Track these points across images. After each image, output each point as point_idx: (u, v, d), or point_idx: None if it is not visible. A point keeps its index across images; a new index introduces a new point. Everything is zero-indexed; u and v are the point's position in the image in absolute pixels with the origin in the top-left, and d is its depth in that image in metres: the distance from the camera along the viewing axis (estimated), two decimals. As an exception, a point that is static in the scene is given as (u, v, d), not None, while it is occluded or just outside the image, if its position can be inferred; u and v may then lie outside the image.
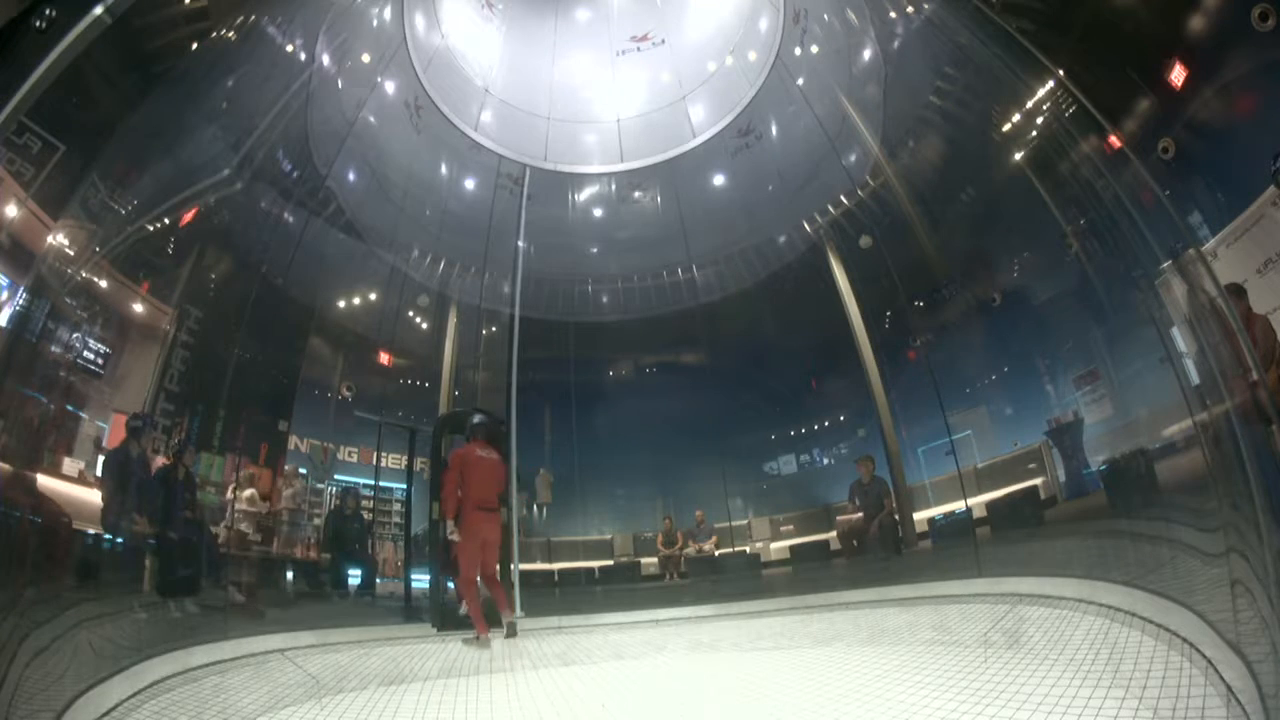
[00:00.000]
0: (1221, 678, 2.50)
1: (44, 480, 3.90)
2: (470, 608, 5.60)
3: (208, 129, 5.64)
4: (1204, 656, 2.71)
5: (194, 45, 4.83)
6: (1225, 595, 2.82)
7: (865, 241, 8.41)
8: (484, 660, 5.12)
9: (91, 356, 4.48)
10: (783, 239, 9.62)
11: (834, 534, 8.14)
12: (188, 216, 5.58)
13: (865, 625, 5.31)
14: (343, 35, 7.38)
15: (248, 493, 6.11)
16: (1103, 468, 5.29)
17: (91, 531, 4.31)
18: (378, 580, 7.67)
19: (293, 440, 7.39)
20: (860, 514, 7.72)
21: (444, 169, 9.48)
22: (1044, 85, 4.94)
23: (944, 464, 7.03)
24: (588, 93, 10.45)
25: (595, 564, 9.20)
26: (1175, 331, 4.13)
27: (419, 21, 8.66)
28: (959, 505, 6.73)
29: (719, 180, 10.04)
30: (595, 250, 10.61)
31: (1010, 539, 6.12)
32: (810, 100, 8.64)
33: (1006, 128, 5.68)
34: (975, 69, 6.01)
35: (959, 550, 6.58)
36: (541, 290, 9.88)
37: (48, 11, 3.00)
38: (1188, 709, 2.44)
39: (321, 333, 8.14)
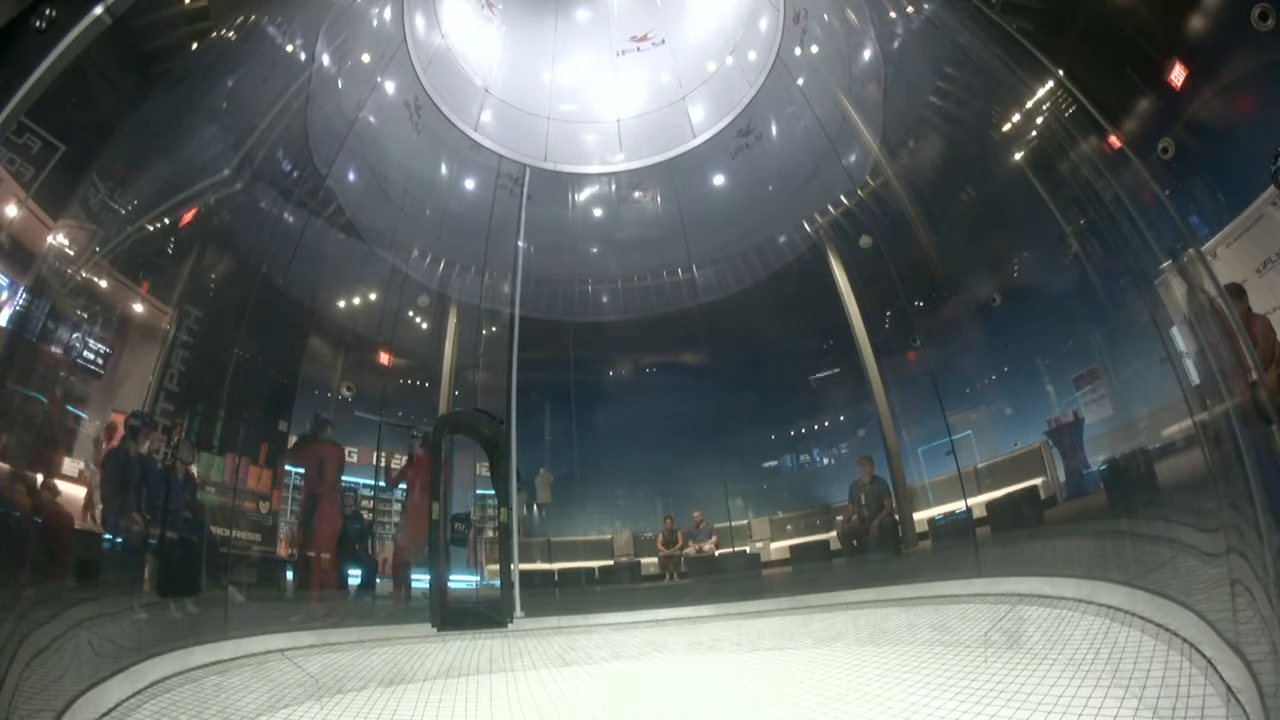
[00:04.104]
0: (1221, 678, 2.50)
1: (44, 480, 3.90)
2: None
3: (207, 129, 5.63)
4: (1204, 656, 2.71)
5: (194, 45, 4.83)
6: (1225, 595, 2.82)
7: (865, 241, 8.40)
8: (484, 660, 5.13)
9: (91, 356, 4.48)
10: (783, 239, 9.61)
11: (834, 534, 8.14)
12: (188, 216, 5.58)
13: (865, 625, 5.31)
14: (343, 35, 7.37)
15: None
16: (1103, 468, 5.28)
17: (91, 531, 4.30)
18: (378, 580, 7.67)
19: (292, 440, 7.37)
20: (860, 514, 7.72)
21: (444, 169, 9.47)
22: (1044, 85, 4.94)
23: (944, 464, 7.03)
24: (588, 93, 10.44)
25: (595, 564, 9.19)
26: (1175, 331, 4.13)
27: (419, 21, 8.65)
28: (959, 505, 6.73)
29: (719, 180, 10.03)
30: (595, 250, 10.60)
31: (1010, 539, 6.12)
32: (810, 100, 8.63)
33: (1006, 128, 5.67)
34: (975, 69, 6.00)
35: (959, 550, 6.58)
36: (541, 290, 9.87)
37: (48, 11, 3.00)
38: (1188, 709, 2.45)
39: (321, 333, 8.12)
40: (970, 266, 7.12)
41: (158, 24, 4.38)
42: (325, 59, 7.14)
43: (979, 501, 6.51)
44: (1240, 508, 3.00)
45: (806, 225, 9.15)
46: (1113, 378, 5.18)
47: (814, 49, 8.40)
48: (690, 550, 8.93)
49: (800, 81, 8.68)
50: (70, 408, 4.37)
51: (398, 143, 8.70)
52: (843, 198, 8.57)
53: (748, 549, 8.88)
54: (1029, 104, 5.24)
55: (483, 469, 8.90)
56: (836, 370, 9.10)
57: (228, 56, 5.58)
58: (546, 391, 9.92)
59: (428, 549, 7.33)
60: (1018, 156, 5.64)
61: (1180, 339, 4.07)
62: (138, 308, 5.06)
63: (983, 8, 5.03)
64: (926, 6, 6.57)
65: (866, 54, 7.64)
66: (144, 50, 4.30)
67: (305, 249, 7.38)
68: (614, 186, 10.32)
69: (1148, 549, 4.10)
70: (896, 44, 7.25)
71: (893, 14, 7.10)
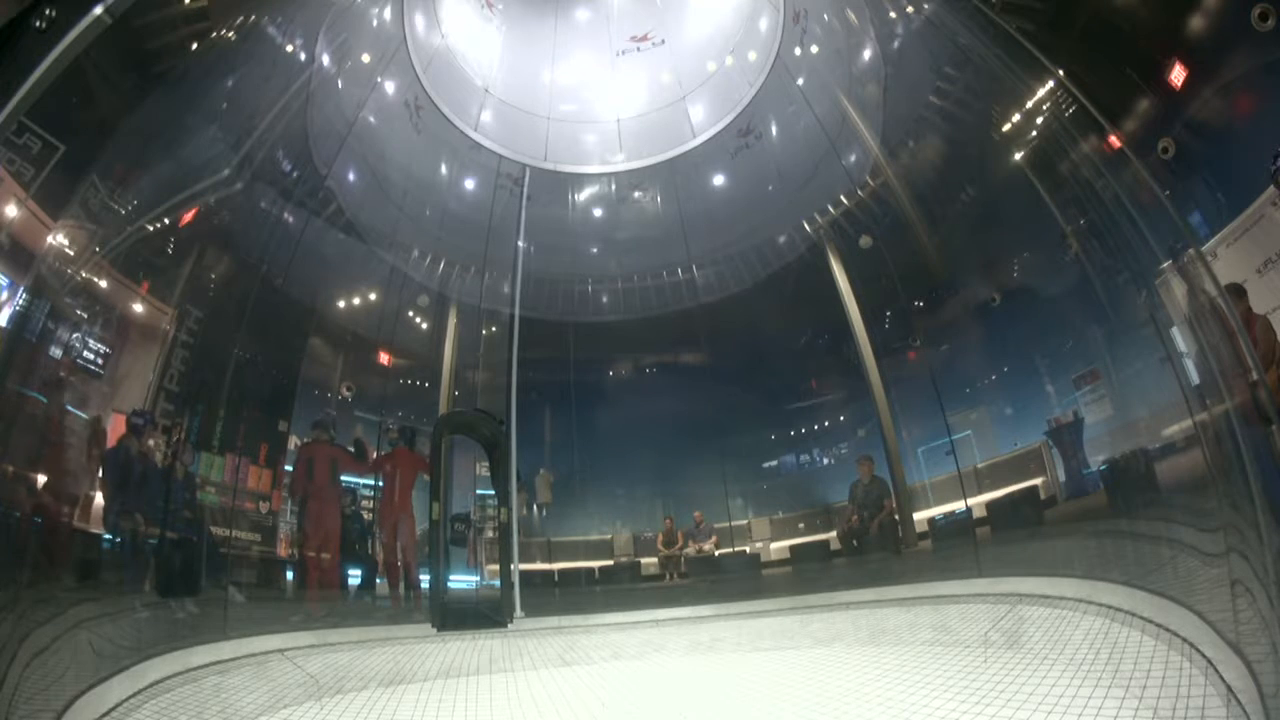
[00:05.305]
0: (1221, 678, 2.50)
1: (44, 480, 3.90)
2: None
3: (207, 129, 5.63)
4: (1204, 656, 2.71)
5: (194, 45, 4.83)
6: (1225, 595, 2.82)
7: (865, 241, 8.40)
8: (484, 660, 5.13)
9: (91, 356, 4.48)
10: (783, 239, 9.62)
11: (834, 534, 8.14)
12: (188, 216, 5.58)
13: (865, 625, 5.31)
14: (343, 35, 7.38)
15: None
16: (1103, 468, 5.28)
17: (92, 531, 4.30)
18: (378, 580, 7.66)
19: (293, 440, 7.37)
20: (860, 514, 7.72)
21: (444, 169, 9.48)
22: (1044, 85, 4.94)
23: (944, 464, 7.02)
24: (588, 93, 10.45)
25: (595, 564, 9.19)
26: (1175, 331, 4.13)
27: (419, 21, 8.65)
28: (959, 505, 6.73)
29: (719, 180, 10.03)
30: (595, 250, 10.60)
31: (1010, 539, 6.12)
32: (810, 100, 8.63)
33: (1006, 128, 5.68)
34: (975, 69, 6.01)
35: (959, 550, 6.58)
36: (541, 290, 9.87)
37: (48, 11, 3.00)
38: (1188, 709, 2.44)
39: (321, 333, 8.12)
40: (970, 266, 7.13)
41: (158, 24, 4.39)
42: (325, 59, 7.14)
43: (979, 501, 6.51)
44: (1240, 508, 3.00)
45: (806, 225, 9.15)
46: (1113, 378, 5.18)
47: (814, 49, 8.40)
48: (690, 550, 8.93)
49: (800, 81, 8.68)
50: (70, 407, 4.37)
51: (398, 143, 8.70)
52: (843, 198, 8.58)
53: (748, 549, 8.88)
54: (1029, 104, 5.25)
55: (483, 469, 8.90)
56: (836, 371, 9.10)
57: (228, 56, 5.58)
58: (546, 391, 9.91)
59: (407, 543, 7.37)
60: (1018, 156, 5.64)
61: (1180, 339, 4.07)
62: (138, 308, 5.06)
63: (983, 8, 5.04)
64: (926, 6, 6.57)
65: (866, 54, 7.64)
66: (144, 50, 4.30)
67: (305, 249, 7.38)
68: (614, 186, 10.33)
69: (1148, 549, 4.10)
70: (896, 44, 7.25)
71: (893, 14, 7.10)
